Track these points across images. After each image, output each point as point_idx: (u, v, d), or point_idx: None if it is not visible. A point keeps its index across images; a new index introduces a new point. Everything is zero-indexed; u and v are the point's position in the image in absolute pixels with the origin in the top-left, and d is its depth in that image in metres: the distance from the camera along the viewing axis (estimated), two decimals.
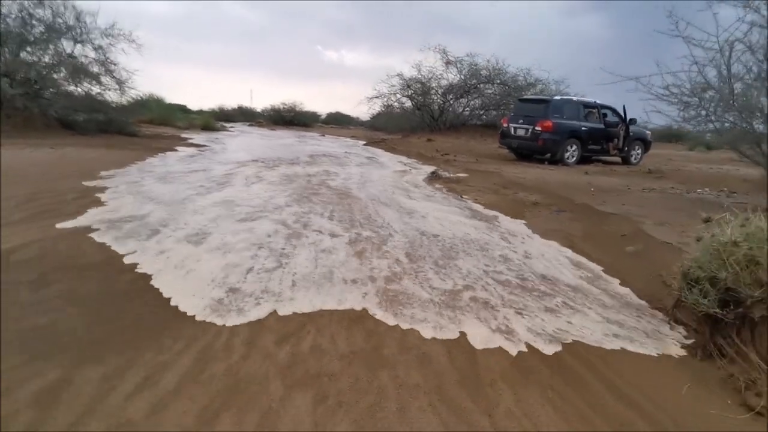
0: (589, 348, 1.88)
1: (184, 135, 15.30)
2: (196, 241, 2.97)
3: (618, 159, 10.70)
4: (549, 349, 1.84)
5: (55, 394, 1.36)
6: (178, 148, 10.58)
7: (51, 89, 11.46)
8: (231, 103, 36.20)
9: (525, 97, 11.98)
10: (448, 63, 18.02)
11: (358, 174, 7.18)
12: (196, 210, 3.88)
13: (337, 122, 36.43)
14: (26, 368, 1.49)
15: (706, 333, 1.91)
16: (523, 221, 4.24)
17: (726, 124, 4.43)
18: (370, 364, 1.66)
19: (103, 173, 5.59)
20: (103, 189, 4.55)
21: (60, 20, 11.65)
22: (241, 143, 13.21)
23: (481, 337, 1.90)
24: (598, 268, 2.92)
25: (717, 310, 1.82)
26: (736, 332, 1.80)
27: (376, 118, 22.95)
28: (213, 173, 6.27)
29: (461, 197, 5.48)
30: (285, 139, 16.13)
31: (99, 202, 3.94)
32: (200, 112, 27.29)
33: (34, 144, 8.02)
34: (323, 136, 20.43)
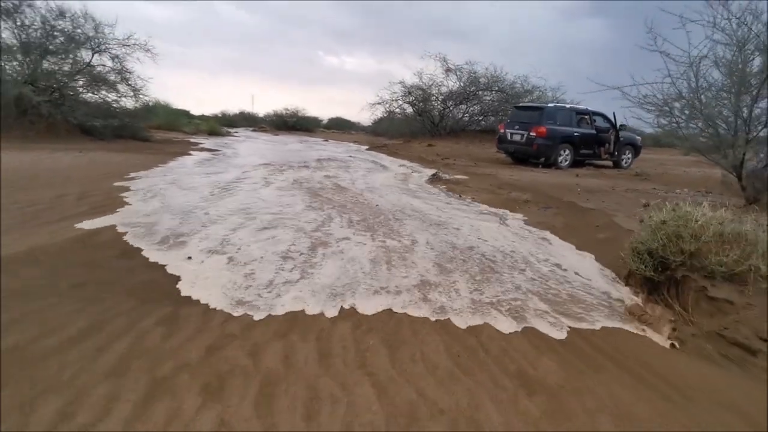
0: None
1: (193, 140, 15.90)
2: (220, 250, 3.01)
3: (609, 163, 11.29)
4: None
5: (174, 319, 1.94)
6: (193, 152, 11.18)
7: (72, 97, 12.03)
8: (232, 108, 36.89)
9: (520, 104, 12.58)
10: (448, 71, 18.70)
11: (365, 177, 7.77)
12: (217, 216, 3.98)
13: (339, 127, 36.97)
14: (143, 307, 2.06)
15: (645, 291, 2.48)
16: (512, 213, 4.83)
17: (693, 131, 5.01)
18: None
19: (132, 174, 6.18)
20: (136, 190, 5.14)
21: (80, 31, 12.21)
22: (250, 148, 13.79)
23: (493, 292, 2.47)
24: (570, 246, 3.53)
25: (652, 274, 2.40)
26: (666, 289, 2.37)
27: (377, 123, 23.62)
28: (230, 176, 6.86)
29: (460, 197, 6.06)
30: (290, 144, 16.72)
31: (132, 201, 4.51)
32: (202, 117, 27.88)
33: (61, 149, 8.61)
34: (326, 140, 21.03)
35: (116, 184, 5.33)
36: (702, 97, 4.98)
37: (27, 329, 1.75)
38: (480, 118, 19.38)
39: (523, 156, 10.78)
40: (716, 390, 1.66)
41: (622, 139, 10.82)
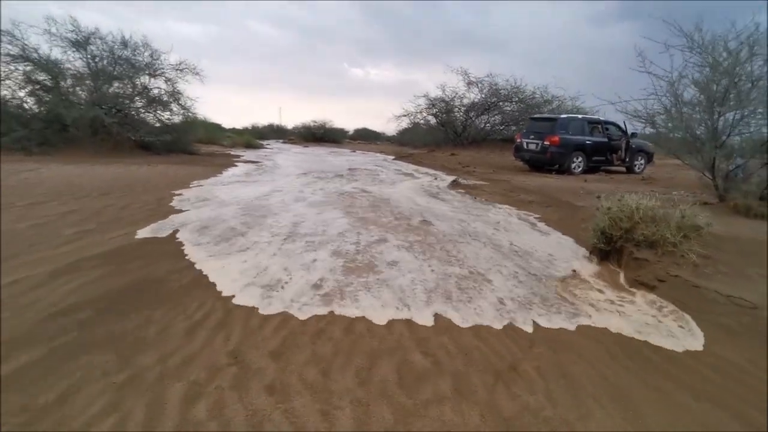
0: None
1: (233, 152, 17.53)
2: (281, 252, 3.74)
3: (623, 169, 11.99)
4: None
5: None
6: (238, 164, 12.63)
7: (133, 116, 13.72)
8: (261, 120, 38.88)
9: (536, 116, 13.44)
10: (469, 83, 19.73)
11: (395, 185, 8.89)
12: (275, 224, 5.49)
13: (365, 138, 38.15)
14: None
15: (599, 257, 3.46)
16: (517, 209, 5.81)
17: (676, 137, 5.84)
18: None
19: (194, 183, 7.49)
20: (200, 197, 6.43)
21: (139, 58, 13.94)
22: (287, 159, 15.16)
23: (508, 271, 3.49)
24: (558, 233, 4.50)
25: (602, 246, 3.38)
26: (612, 256, 3.34)
27: (402, 133, 24.85)
28: (279, 183, 8.12)
29: (475, 198, 7.07)
30: (322, 155, 18.04)
31: (198, 206, 5.77)
32: (234, 131, 29.69)
33: (133, 163, 10.16)
34: (354, 151, 22.31)
35: (182, 190, 6.60)
36: (683, 109, 5.85)
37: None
38: (501, 128, 20.24)
39: (538, 163, 11.63)
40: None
41: (633, 146, 11.51)
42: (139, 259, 3.09)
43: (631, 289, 2.85)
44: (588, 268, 3.35)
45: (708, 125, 5.27)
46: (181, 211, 4.93)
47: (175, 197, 5.80)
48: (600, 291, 2.85)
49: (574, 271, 3.26)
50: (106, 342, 1.92)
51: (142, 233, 3.83)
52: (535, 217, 5.44)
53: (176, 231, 3.96)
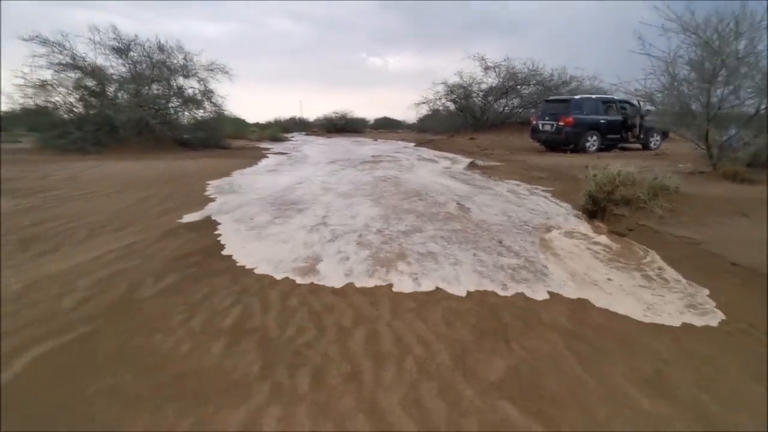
0: None
1: (262, 145, 18.53)
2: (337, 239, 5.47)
3: (638, 146, 12.29)
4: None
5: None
6: (269, 155, 13.59)
7: (171, 116, 14.80)
8: (284, 114, 39.82)
9: (550, 98, 13.79)
10: (486, 68, 20.05)
11: (416, 170, 9.63)
12: (327, 189, 6.45)
13: (386, 126, 38.57)
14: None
15: (588, 216, 4.14)
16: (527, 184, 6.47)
17: (672, 112, 6.33)
18: None
19: (235, 172, 8.44)
20: (242, 183, 7.36)
21: (174, 61, 14.96)
22: (312, 149, 16.05)
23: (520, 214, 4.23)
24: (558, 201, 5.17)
25: (589, 206, 4.06)
26: (597, 215, 4.02)
27: (423, 120, 25.33)
28: (312, 170, 9.00)
29: (489, 177, 7.74)
30: (345, 145, 18.83)
31: (243, 190, 6.68)
32: (258, 125, 30.67)
33: (177, 158, 11.22)
34: (376, 140, 23.00)
35: (226, 178, 7.55)
36: (680, 87, 6.33)
37: None
38: (520, 111, 20.49)
39: (554, 144, 12.07)
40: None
41: (648, 123, 11.79)
42: (213, 227, 4.00)
43: (603, 235, 3.55)
44: (574, 222, 4.04)
45: (701, 100, 5.76)
46: (234, 192, 5.87)
47: (225, 183, 6.75)
48: (578, 236, 3.56)
49: (560, 226, 3.98)
50: (220, 272, 2.79)
51: (210, 208, 4.75)
52: (542, 190, 6.10)
53: (240, 206, 4.87)
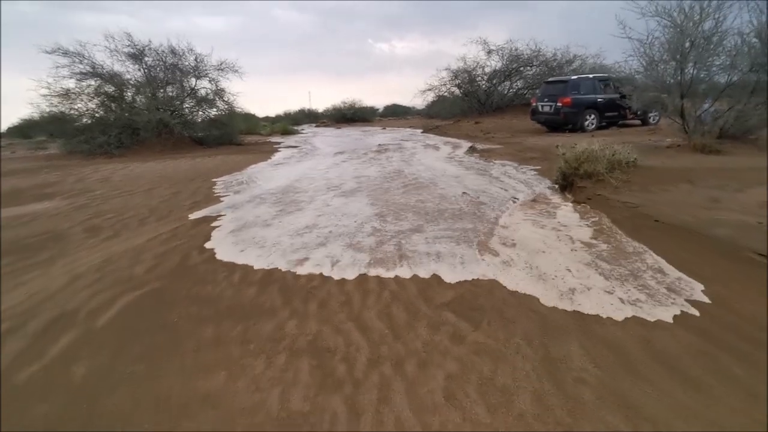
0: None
1: (273, 140, 19.23)
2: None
3: (638, 122, 12.60)
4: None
5: None
6: (281, 149, 14.30)
7: (187, 116, 15.57)
8: (292, 106, 40.10)
9: (549, 79, 14.11)
10: (489, 52, 20.28)
11: (416, 153, 10.24)
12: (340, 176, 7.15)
13: (395, 114, 38.43)
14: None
15: (560, 189, 4.74)
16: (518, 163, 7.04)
17: (649, 91, 6.78)
18: None
19: (251, 166, 9.19)
20: (262, 176, 8.10)
21: (186, 63, 15.68)
22: (322, 141, 16.69)
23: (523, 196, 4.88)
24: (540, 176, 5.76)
25: (561, 182, 4.66)
26: (568, 189, 4.62)
27: (430, 106, 25.69)
28: (321, 160, 9.70)
29: (486, 160, 8.31)
30: (354, 135, 19.38)
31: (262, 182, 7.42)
32: (267, 119, 31.04)
33: (195, 156, 12.05)
34: (384, 129, 23.44)
35: (246, 170, 8.31)
36: (658, 66, 6.76)
37: None
38: (525, 92, 20.70)
39: (554, 125, 12.46)
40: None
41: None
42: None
43: (568, 204, 4.17)
44: (549, 194, 4.65)
45: (675, 78, 6.22)
46: (255, 182, 6.63)
47: (244, 175, 7.52)
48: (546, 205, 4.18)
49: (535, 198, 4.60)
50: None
51: (235, 199, 5.51)
52: (531, 168, 6.67)
53: (260, 195, 5.62)
